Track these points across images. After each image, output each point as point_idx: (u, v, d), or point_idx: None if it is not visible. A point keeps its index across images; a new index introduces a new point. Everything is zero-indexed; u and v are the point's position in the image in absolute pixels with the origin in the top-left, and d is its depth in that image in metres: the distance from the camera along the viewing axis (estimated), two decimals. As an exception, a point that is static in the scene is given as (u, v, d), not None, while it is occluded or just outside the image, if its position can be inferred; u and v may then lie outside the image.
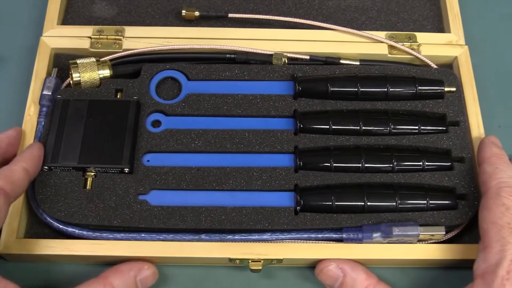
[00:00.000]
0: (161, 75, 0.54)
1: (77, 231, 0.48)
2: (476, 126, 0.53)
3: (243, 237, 0.48)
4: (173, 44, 0.56)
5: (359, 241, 0.48)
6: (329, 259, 0.47)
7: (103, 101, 0.52)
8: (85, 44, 0.57)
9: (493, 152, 0.48)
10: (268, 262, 0.48)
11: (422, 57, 0.57)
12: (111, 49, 0.56)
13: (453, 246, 0.48)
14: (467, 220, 0.49)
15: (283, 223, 0.48)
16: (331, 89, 0.53)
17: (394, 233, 0.47)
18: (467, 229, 0.50)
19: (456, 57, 0.57)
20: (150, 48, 0.56)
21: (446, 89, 0.54)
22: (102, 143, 0.50)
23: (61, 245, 0.47)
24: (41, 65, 0.55)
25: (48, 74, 0.55)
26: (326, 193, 0.49)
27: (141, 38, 0.57)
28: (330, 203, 0.48)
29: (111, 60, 0.55)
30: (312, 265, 0.50)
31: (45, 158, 0.49)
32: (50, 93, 0.53)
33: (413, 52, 0.57)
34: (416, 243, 0.48)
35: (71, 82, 0.53)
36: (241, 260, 0.48)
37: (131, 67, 0.55)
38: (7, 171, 0.45)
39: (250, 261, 0.47)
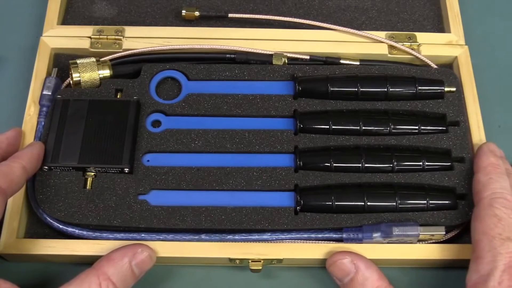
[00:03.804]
0: (161, 75, 0.54)
1: (77, 231, 0.48)
2: (476, 126, 0.53)
3: (243, 237, 0.48)
4: (173, 44, 0.56)
5: (359, 241, 0.48)
6: (344, 251, 0.47)
7: (103, 101, 0.52)
8: (85, 44, 0.57)
9: (489, 161, 0.48)
10: (268, 262, 0.48)
11: (422, 57, 0.57)
12: (111, 49, 0.56)
13: (453, 246, 0.48)
14: (467, 220, 0.49)
15: (283, 223, 0.48)
16: (331, 89, 0.53)
17: (394, 233, 0.47)
18: (467, 229, 0.49)
19: (456, 57, 0.57)
20: (150, 48, 0.56)
21: (446, 89, 0.54)
22: (102, 143, 0.50)
23: (61, 245, 0.48)
24: (41, 65, 0.55)
25: (48, 74, 0.55)
26: (326, 193, 0.49)
27: (141, 38, 0.57)
28: (330, 203, 0.48)
29: (111, 60, 0.55)
30: (312, 265, 0.50)
31: (45, 158, 0.49)
32: (50, 93, 0.53)
33: (413, 52, 0.57)
34: (416, 243, 0.48)
35: (71, 82, 0.53)
36: (241, 260, 0.48)
37: (131, 67, 0.55)
38: (6, 168, 0.45)
39: (250, 261, 0.47)
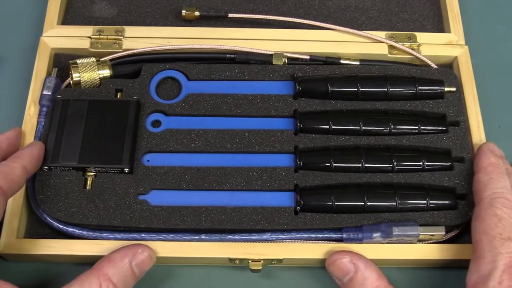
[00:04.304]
0: (161, 75, 0.54)
1: (77, 231, 0.48)
2: (476, 126, 0.53)
3: (243, 237, 0.48)
4: (173, 44, 0.56)
5: (359, 241, 0.48)
6: (343, 251, 0.47)
7: (103, 101, 0.52)
8: (85, 44, 0.57)
9: (490, 161, 0.48)
10: (268, 262, 0.48)
11: (422, 57, 0.57)
12: (111, 49, 0.56)
13: (453, 246, 0.48)
14: (467, 220, 0.49)
15: (283, 223, 0.48)
16: (331, 89, 0.53)
17: (394, 233, 0.47)
18: (467, 229, 0.49)
19: (456, 57, 0.57)
20: (150, 48, 0.56)
21: (446, 89, 0.54)
22: (102, 143, 0.50)
23: (61, 245, 0.48)
24: (41, 65, 0.55)
25: (48, 74, 0.55)
26: (326, 193, 0.49)
27: (141, 38, 0.57)
28: (330, 203, 0.48)
29: (111, 60, 0.55)
30: (312, 265, 0.50)
31: (45, 158, 0.49)
32: (50, 93, 0.53)
33: (413, 52, 0.57)
34: (416, 243, 0.48)
35: (71, 82, 0.53)
36: (241, 260, 0.48)
37: (131, 67, 0.55)
38: (6, 168, 0.45)
39: (250, 261, 0.47)
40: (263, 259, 0.47)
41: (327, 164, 0.50)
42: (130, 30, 0.57)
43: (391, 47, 0.57)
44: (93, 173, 0.50)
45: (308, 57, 0.56)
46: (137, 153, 0.51)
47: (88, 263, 0.45)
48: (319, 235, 0.48)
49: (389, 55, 0.57)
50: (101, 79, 0.53)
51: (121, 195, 0.49)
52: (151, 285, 0.49)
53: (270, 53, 0.56)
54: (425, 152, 0.51)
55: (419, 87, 0.53)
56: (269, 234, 0.48)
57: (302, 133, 0.52)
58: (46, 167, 0.49)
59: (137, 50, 0.56)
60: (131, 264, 0.45)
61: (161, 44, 0.56)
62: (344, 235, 0.48)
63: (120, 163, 0.49)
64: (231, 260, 0.48)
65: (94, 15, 0.60)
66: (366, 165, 0.50)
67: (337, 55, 0.57)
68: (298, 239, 0.48)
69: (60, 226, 0.48)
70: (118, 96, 0.53)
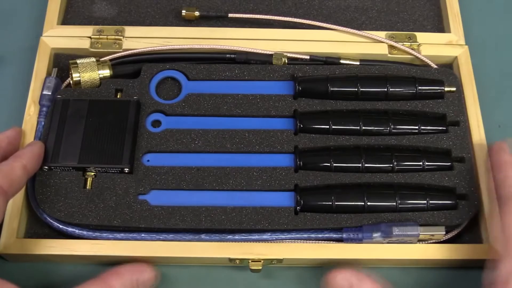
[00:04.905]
0: (161, 75, 0.54)
1: (77, 231, 0.48)
2: (476, 126, 0.53)
3: (243, 237, 0.48)
4: (173, 44, 0.56)
5: (359, 241, 0.48)
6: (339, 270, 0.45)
7: (103, 101, 0.52)
8: (85, 44, 0.57)
9: (504, 159, 0.48)
10: (268, 262, 0.48)
11: (422, 57, 0.57)
12: (111, 49, 0.56)
13: (453, 246, 0.48)
14: (467, 220, 0.49)
15: (283, 223, 0.48)
16: (331, 89, 0.53)
17: (394, 233, 0.47)
18: (467, 229, 0.50)
19: (456, 57, 0.57)
20: (150, 48, 0.56)
21: (446, 89, 0.54)
22: (102, 143, 0.50)
23: (61, 245, 0.47)
24: (41, 65, 0.55)
25: (48, 74, 0.55)
26: (326, 193, 0.49)
27: (141, 38, 0.57)
28: (330, 203, 0.48)
29: (111, 60, 0.55)
30: (312, 265, 0.50)
31: (45, 158, 0.49)
32: (50, 93, 0.53)
33: (413, 52, 0.57)
34: (416, 243, 0.48)
35: (71, 82, 0.53)
36: (241, 260, 0.48)
37: (131, 67, 0.55)
38: (7, 168, 0.45)
39: (250, 261, 0.47)
40: (263, 259, 0.47)
41: (327, 164, 0.50)
42: (130, 30, 0.57)
43: (391, 47, 0.57)
44: (93, 173, 0.50)
45: (308, 57, 0.56)
46: (137, 153, 0.51)
47: (88, 263, 0.45)
48: (319, 235, 0.48)
49: (389, 55, 0.57)
50: (101, 79, 0.53)
51: (121, 195, 0.49)
52: None
53: (270, 53, 0.56)
54: (425, 152, 0.51)
55: (419, 87, 0.53)
56: (269, 234, 0.48)
57: (302, 133, 0.52)
58: (46, 167, 0.49)
59: (137, 50, 0.56)
60: (137, 280, 0.45)
61: (161, 44, 0.56)
62: (344, 235, 0.48)
63: (120, 163, 0.49)
64: (231, 260, 0.48)
65: (94, 15, 0.60)
66: (366, 165, 0.50)
67: (337, 55, 0.57)
68: (298, 239, 0.48)
69: (60, 226, 0.48)
70: (118, 96, 0.53)
